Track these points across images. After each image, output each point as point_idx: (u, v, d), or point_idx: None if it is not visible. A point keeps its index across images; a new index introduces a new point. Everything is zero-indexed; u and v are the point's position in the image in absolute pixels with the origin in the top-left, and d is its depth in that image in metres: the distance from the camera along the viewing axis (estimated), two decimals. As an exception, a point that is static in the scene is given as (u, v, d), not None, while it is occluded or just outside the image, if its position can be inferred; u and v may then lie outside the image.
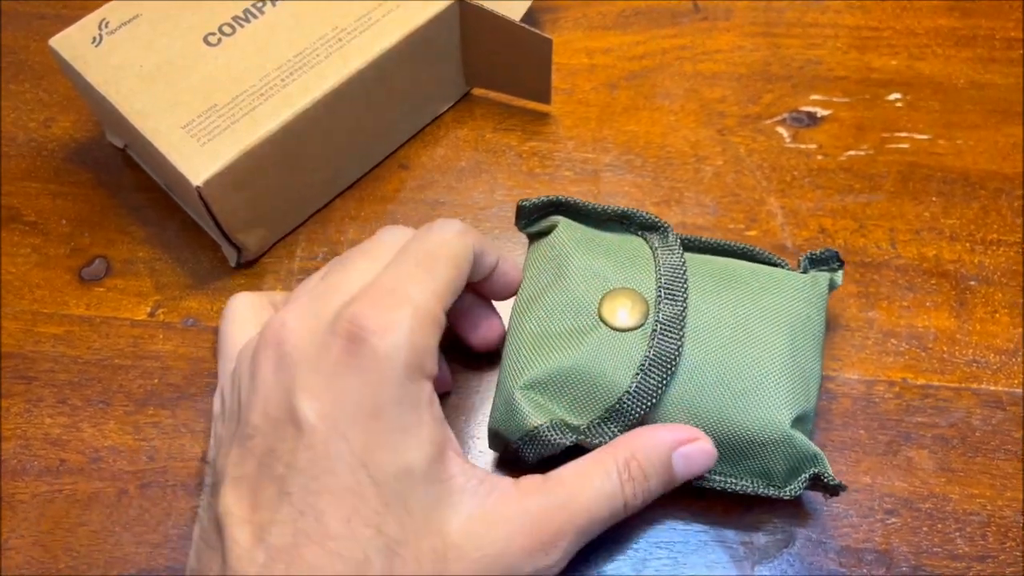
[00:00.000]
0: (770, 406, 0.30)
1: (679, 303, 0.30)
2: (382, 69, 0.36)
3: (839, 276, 0.34)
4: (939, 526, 0.32)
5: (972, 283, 0.37)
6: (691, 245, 0.34)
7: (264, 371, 0.25)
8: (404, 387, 0.24)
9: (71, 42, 0.35)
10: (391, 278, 0.26)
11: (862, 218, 0.39)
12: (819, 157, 0.41)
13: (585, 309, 0.31)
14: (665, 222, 0.33)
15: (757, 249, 0.34)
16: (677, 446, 0.28)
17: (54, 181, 0.41)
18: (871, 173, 0.40)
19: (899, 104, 0.42)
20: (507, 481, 0.26)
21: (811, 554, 0.32)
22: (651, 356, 0.29)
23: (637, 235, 0.33)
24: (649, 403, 0.29)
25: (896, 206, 0.39)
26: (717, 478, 0.30)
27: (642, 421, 0.30)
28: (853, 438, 0.34)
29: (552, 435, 0.29)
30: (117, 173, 0.41)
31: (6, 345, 0.36)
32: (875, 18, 0.45)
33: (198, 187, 0.32)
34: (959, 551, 0.32)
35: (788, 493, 0.30)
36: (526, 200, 0.33)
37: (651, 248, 0.32)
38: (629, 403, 0.29)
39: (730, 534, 0.32)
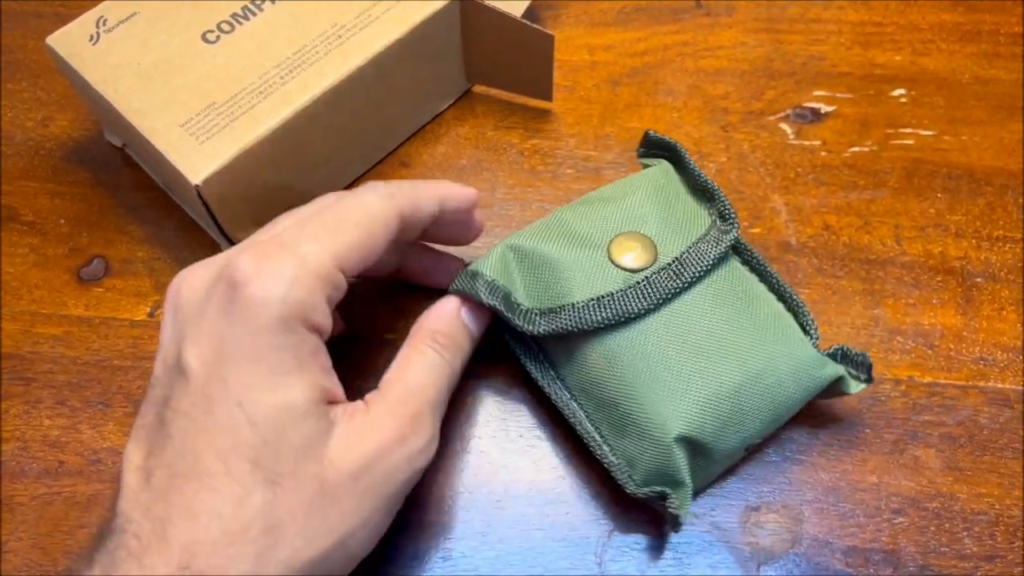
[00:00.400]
0: (673, 411, 0.29)
1: (679, 282, 0.30)
2: (382, 66, 0.36)
3: (853, 386, 0.32)
4: (947, 526, 0.32)
5: (978, 280, 0.37)
6: (749, 259, 0.33)
7: (165, 325, 0.26)
8: (282, 335, 0.24)
9: (69, 40, 0.35)
10: (289, 234, 0.26)
11: (867, 215, 0.39)
12: (823, 153, 0.40)
13: (604, 231, 0.32)
14: (736, 220, 0.32)
15: (805, 309, 0.32)
16: (459, 308, 0.31)
17: (52, 180, 0.40)
18: (875, 169, 0.40)
19: (903, 100, 0.42)
20: (359, 402, 0.27)
21: (817, 554, 0.31)
22: (613, 296, 0.30)
23: (711, 215, 0.33)
24: (580, 326, 0.30)
25: (901, 202, 0.39)
26: (597, 437, 0.31)
27: (567, 338, 0.31)
28: (859, 437, 0.34)
29: (482, 288, 0.30)
30: (115, 172, 0.40)
31: (5, 346, 0.36)
32: (879, 14, 0.45)
33: (197, 186, 0.32)
34: (967, 551, 0.31)
35: (632, 491, 0.30)
36: (654, 132, 0.35)
37: (707, 231, 0.32)
38: (565, 316, 0.30)
39: (735, 534, 0.32)
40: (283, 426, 0.24)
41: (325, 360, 0.26)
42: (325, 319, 0.25)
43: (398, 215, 0.28)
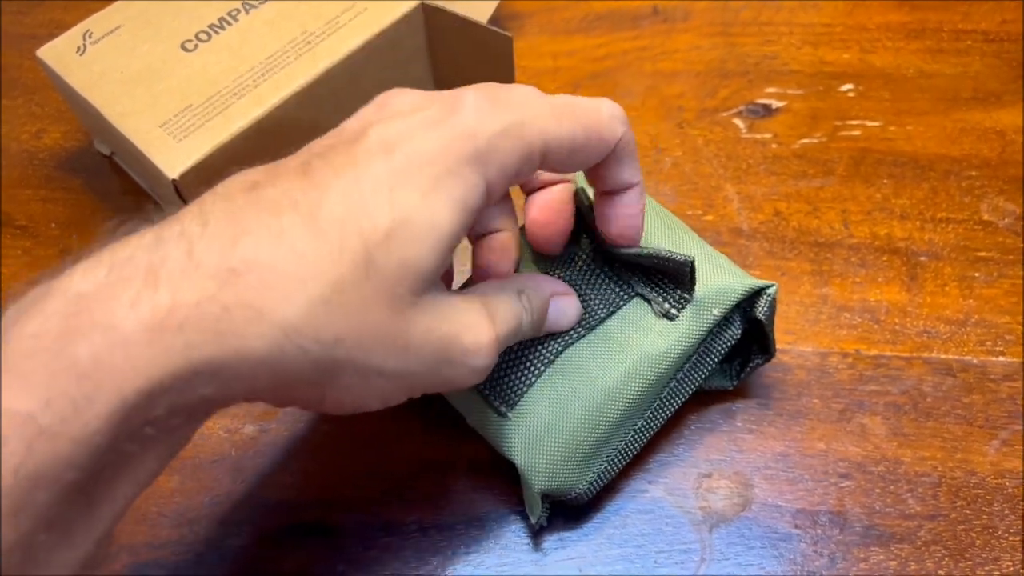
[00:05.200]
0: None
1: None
2: (350, 69, 0.38)
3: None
4: (891, 488, 0.33)
5: (922, 258, 0.39)
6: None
7: (359, 114, 0.26)
8: (466, 169, 0.23)
9: (57, 52, 0.38)
10: (519, 96, 0.25)
11: (815, 201, 0.41)
12: (774, 145, 0.42)
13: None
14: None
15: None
16: (554, 295, 0.30)
17: (45, 188, 0.43)
18: (824, 159, 0.42)
19: (851, 94, 0.44)
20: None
21: (768, 517, 0.33)
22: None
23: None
24: None
25: (848, 189, 0.41)
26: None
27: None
28: (807, 407, 0.35)
29: None
30: (104, 179, 0.43)
31: (-3, 340, 0.38)
32: (827, 15, 0.47)
33: (174, 180, 0.34)
34: (911, 511, 0.33)
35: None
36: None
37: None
38: None
39: (688, 499, 0.33)
40: (411, 236, 0.23)
41: (469, 223, 0.24)
42: (502, 189, 0.25)
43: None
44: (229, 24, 0.38)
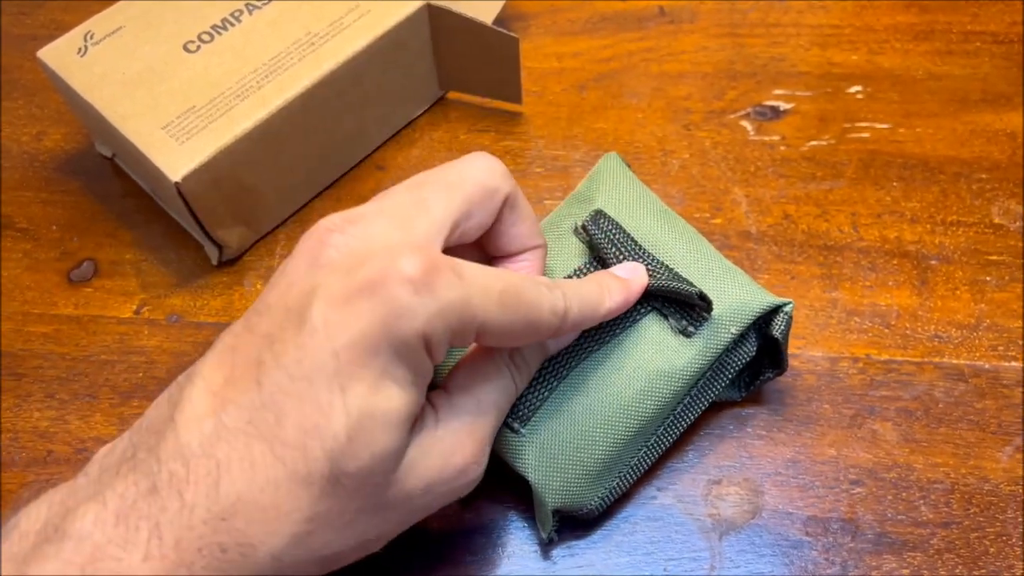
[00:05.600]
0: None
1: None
2: (354, 71, 0.38)
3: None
4: (904, 494, 0.33)
5: (933, 262, 0.38)
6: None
7: (299, 262, 0.25)
8: (410, 351, 0.23)
9: (58, 53, 0.37)
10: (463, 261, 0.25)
11: (824, 204, 0.40)
12: (782, 148, 0.42)
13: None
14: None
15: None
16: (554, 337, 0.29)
17: (45, 190, 0.42)
18: (833, 161, 0.41)
19: (860, 96, 0.44)
20: (429, 408, 0.26)
21: (778, 524, 0.32)
22: None
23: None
24: None
25: (858, 192, 0.40)
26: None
27: None
28: (818, 412, 0.35)
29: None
30: (105, 181, 0.42)
31: (-3, 345, 0.38)
32: (836, 16, 0.47)
33: (176, 183, 0.34)
34: (923, 518, 0.32)
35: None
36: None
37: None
38: None
39: (698, 506, 0.33)
40: (372, 432, 0.23)
41: (426, 383, 0.25)
42: (442, 356, 0.25)
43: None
44: (232, 25, 0.38)
